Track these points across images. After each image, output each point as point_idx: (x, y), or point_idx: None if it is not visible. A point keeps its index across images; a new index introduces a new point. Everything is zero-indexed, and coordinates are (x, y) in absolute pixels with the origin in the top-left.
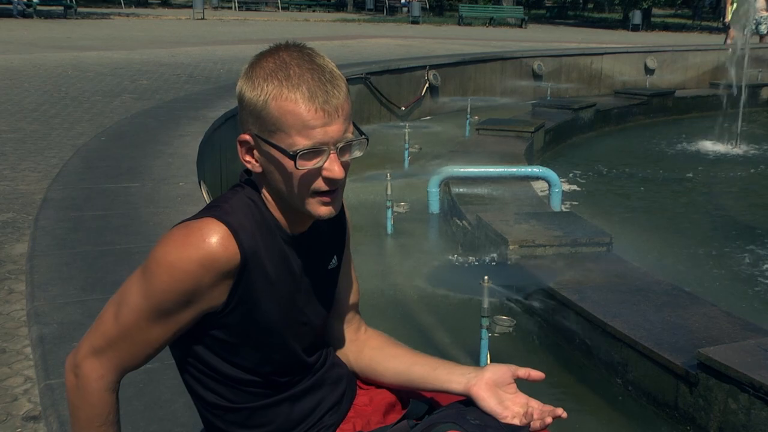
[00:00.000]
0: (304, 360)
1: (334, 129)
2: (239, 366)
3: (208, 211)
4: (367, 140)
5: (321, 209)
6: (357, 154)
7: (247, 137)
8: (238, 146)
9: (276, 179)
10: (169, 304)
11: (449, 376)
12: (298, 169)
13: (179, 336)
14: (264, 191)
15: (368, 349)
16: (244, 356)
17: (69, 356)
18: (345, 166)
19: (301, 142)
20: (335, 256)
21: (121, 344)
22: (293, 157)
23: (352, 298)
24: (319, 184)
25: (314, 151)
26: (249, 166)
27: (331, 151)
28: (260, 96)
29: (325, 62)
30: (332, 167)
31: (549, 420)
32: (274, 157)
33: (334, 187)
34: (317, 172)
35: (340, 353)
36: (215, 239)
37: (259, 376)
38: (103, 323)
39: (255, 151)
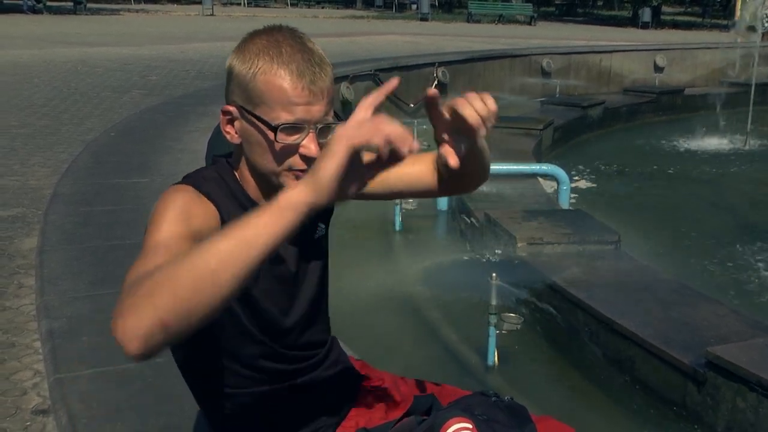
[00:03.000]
0: (300, 337)
1: (317, 109)
2: (237, 359)
3: (181, 182)
4: None
5: (292, 184)
6: None
7: (231, 108)
8: (221, 116)
9: (254, 151)
10: (180, 223)
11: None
12: (277, 141)
13: None
14: (240, 165)
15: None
16: (240, 337)
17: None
18: (322, 147)
19: (284, 117)
20: (321, 224)
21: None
22: (274, 129)
23: (420, 165)
24: (295, 161)
25: (295, 127)
26: (228, 137)
27: (311, 130)
28: (250, 69)
29: (315, 47)
30: (309, 145)
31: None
32: (255, 129)
33: (308, 166)
34: (294, 149)
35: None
36: (193, 192)
37: (256, 371)
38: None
39: (237, 123)
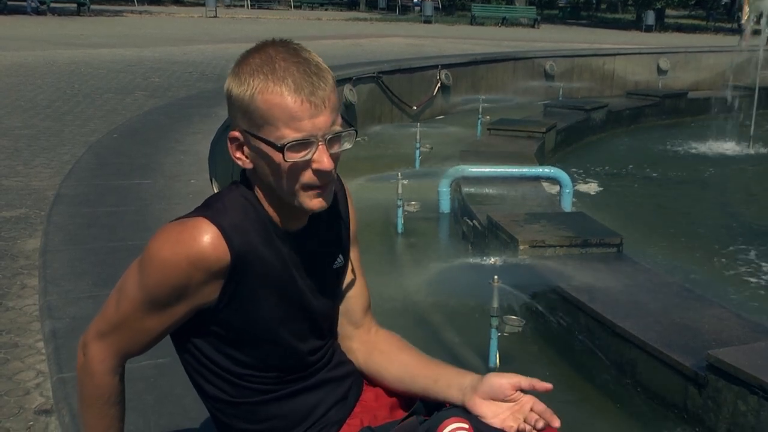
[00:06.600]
0: (307, 357)
1: (322, 120)
2: (239, 361)
3: (202, 210)
4: (356, 132)
5: (312, 202)
6: (346, 146)
7: (236, 134)
8: (228, 143)
9: (266, 174)
10: (162, 298)
11: (448, 391)
12: (286, 161)
13: (179, 328)
14: (257, 188)
15: (377, 353)
16: (245, 351)
17: (82, 335)
18: (335, 158)
19: (290, 135)
20: (341, 255)
21: (121, 331)
22: (281, 149)
23: (361, 298)
24: (309, 177)
25: (303, 143)
26: (240, 163)
27: (320, 143)
28: (247, 91)
29: (310, 56)
30: (321, 159)
31: (540, 425)
32: (263, 152)
33: (324, 180)
34: (306, 165)
35: (349, 353)
36: (206, 239)
37: (259, 371)
38: (107, 309)
39: (245, 148)
